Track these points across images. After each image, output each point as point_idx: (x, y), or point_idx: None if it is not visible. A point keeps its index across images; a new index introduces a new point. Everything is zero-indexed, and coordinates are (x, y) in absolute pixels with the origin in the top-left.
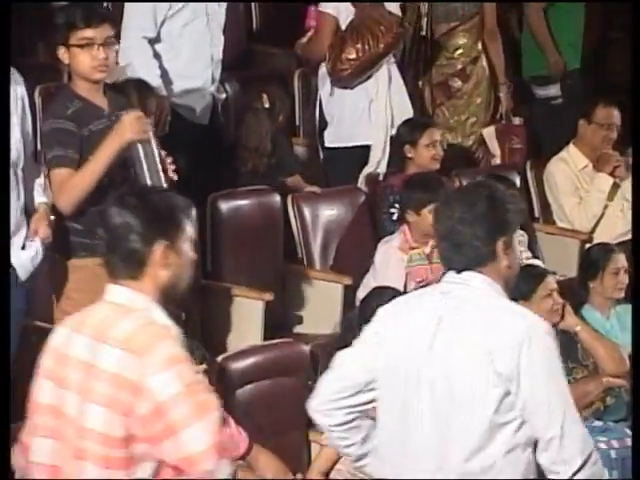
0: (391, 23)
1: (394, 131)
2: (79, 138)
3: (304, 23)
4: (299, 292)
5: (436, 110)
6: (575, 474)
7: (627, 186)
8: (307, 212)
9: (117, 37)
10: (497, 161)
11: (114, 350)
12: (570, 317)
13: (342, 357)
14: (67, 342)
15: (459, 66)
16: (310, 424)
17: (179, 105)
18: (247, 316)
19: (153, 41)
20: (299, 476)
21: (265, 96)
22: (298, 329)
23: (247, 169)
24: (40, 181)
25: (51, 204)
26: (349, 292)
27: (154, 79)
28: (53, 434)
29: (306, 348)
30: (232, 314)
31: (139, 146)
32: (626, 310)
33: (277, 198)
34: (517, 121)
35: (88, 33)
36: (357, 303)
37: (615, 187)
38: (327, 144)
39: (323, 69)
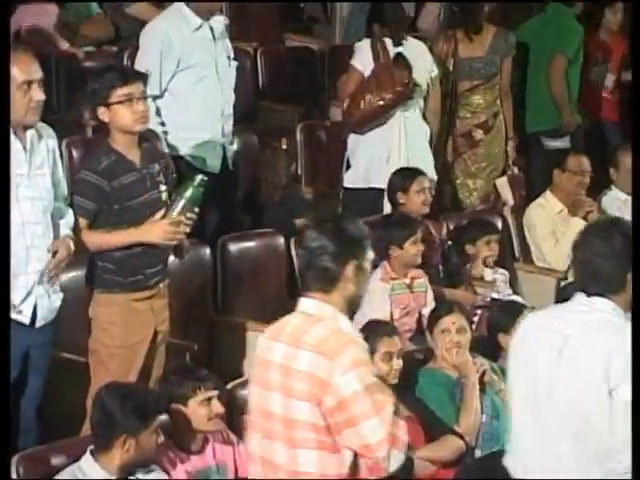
0: (399, 79)
1: None
2: (104, 193)
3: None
4: None
5: (458, 158)
6: None
7: None
8: None
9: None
10: (509, 206)
11: (308, 353)
12: None
13: None
14: (268, 349)
15: (482, 119)
16: None
17: (191, 155)
18: (254, 347)
19: (163, 95)
20: None
21: (284, 139)
22: None
23: (263, 199)
24: (69, 221)
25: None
26: None
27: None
28: (262, 431)
29: None
30: (240, 345)
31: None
32: None
33: (281, 240)
34: (515, 170)
35: (127, 90)
36: None
37: None
38: (346, 184)
39: None
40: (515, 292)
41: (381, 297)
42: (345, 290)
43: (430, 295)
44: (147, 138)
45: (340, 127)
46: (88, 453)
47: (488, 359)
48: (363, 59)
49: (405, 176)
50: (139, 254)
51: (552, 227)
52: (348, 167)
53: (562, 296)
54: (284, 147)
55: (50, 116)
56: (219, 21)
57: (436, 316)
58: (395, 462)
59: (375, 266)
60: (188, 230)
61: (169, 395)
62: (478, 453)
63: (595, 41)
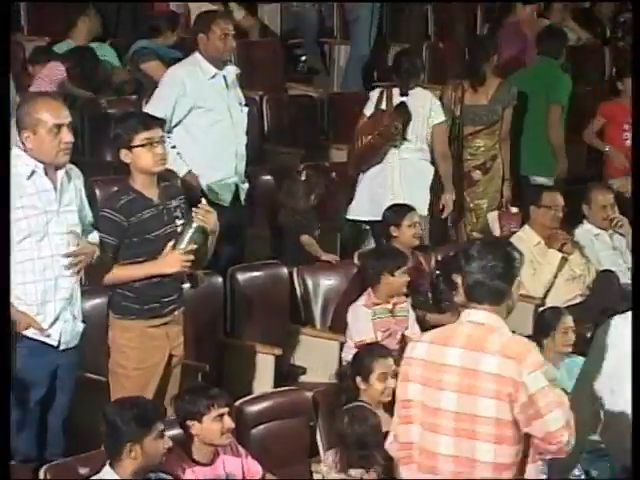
0: (381, 123)
1: None
2: (123, 228)
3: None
4: (303, 348)
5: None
6: None
7: (573, 258)
8: (309, 281)
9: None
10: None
11: (494, 357)
12: None
13: None
14: (439, 354)
15: (481, 161)
16: (312, 457)
17: (208, 189)
18: (260, 367)
19: (177, 137)
20: None
21: (305, 172)
22: (302, 378)
23: (281, 222)
24: (95, 236)
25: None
26: None
27: (175, 162)
28: (424, 424)
29: (309, 394)
30: (248, 366)
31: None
32: (573, 361)
33: (284, 270)
34: (515, 210)
35: (148, 134)
36: (343, 361)
37: (563, 260)
38: (348, 216)
39: None
40: None
41: (364, 321)
42: (509, 303)
43: (412, 318)
44: (166, 177)
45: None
46: (107, 464)
47: None
48: (370, 106)
49: (398, 212)
50: (156, 284)
51: (530, 258)
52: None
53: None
54: (303, 178)
55: (76, 157)
56: (231, 71)
57: None
58: (570, 446)
59: None
60: (192, 258)
61: (184, 412)
62: None
63: None
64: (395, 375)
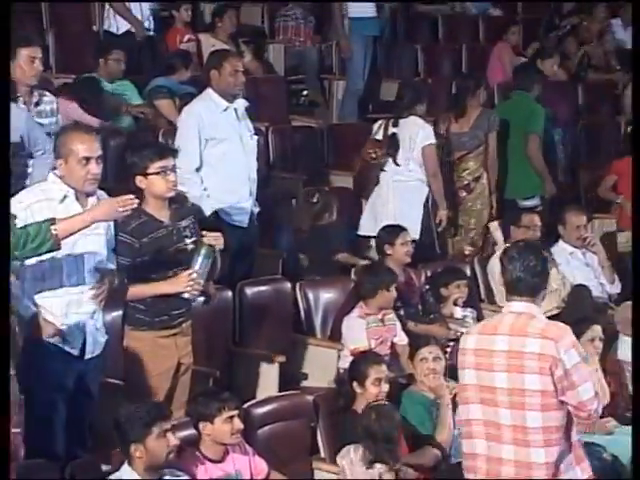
0: (365, 151)
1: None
2: (135, 249)
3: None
4: (305, 356)
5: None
6: None
7: (551, 275)
8: (310, 295)
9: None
10: (500, 246)
11: (536, 340)
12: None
13: None
14: (489, 342)
15: (465, 182)
16: (312, 455)
17: (224, 212)
18: (266, 374)
19: (199, 168)
20: None
21: (317, 194)
22: (304, 383)
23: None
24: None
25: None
26: None
27: (203, 201)
28: (481, 401)
29: (310, 398)
30: (255, 372)
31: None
32: None
33: (288, 285)
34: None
35: (162, 163)
36: (341, 368)
37: None
38: (359, 232)
39: None
40: None
41: (359, 330)
42: (543, 294)
43: (399, 326)
44: (177, 200)
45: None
46: (125, 462)
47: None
48: (373, 135)
49: (391, 231)
50: (166, 298)
51: None
52: None
53: None
54: (314, 200)
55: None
56: (241, 103)
57: (416, 347)
58: (597, 414)
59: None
60: (202, 282)
61: (198, 414)
62: (452, 461)
63: None
64: (387, 380)
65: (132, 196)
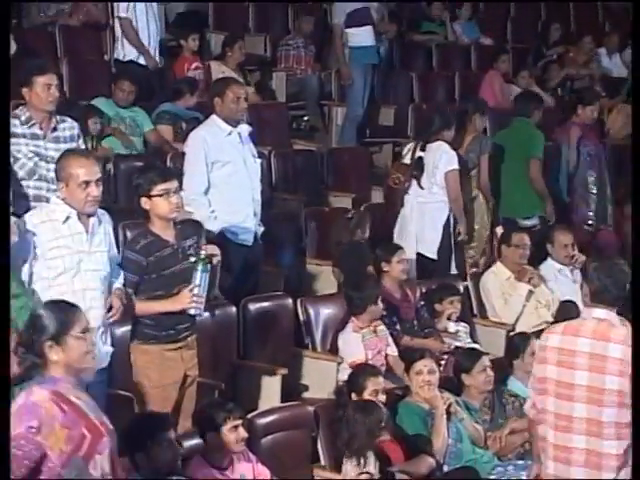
0: (390, 175)
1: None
2: (142, 266)
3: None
4: (305, 368)
5: None
6: None
7: (539, 290)
8: (311, 310)
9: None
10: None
11: (619, 345)
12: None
13: None
14: (571, 342)
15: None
16: (313, 463)
17: (229, 232)
18: (268, 385)
19: (207, 190)
20: None
21: (352, 211)
22: (305, 395)
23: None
24: (121, 279)
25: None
26: None
27: (210, 222)
28: (556, 395)
29: (311, 409)
30: (258, 384)
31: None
32: None
33: (289, 301)
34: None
35: (165, 186)
36: (340, 380)
37: (530, 292)
38: None
39: None
40: (474, 341)
41: (356, 344)
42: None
43: (390, 338)
44: (182, 220)
45: None
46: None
47: (453, 394)
48: (401, 159)
49: (388, 249)
50: (172, 313)
51: (502, 290)
52: None
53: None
54: (349, 216)
55: (111, 204)
56: (245, 128)
57: (411, 360)
58: None
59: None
60: (203, 297)
61: (205, 423)
62: (445, 469)
63: None
64: (384, 391)
65: None
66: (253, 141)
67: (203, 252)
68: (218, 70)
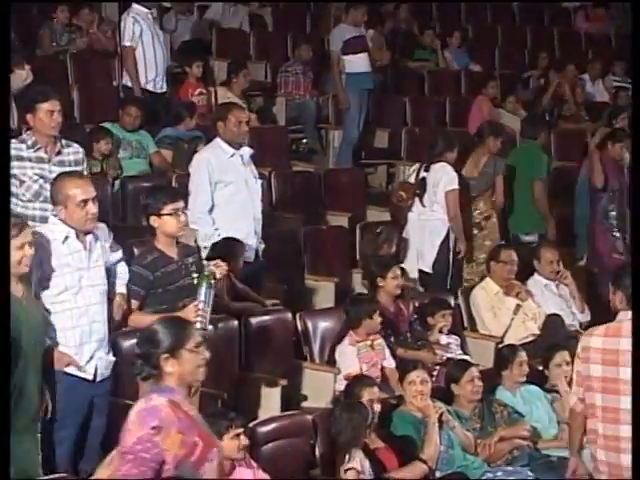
0: (394, 193)
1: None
2: (149, 281)
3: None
4: (304, 379)
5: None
6: None
7: (526, 304)
8: (309, 324)
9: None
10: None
11: None
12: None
13: None
14: (611, 342)
15: (476, 221)
16: (312, 469)
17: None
18: (269, 395)
19: (211, 209)
20: None
21: (381, 227)
22: (304, 404)
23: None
24: (124, 278)
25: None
26: None
27: (214, 239)
28: (603, 390)
29: (309, 417)
30: (259, 394)
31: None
32: (527, 389)
33: (289, 315)
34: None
35: (174, 205)
36: (337, 390)
37: (518, 306)
38: (403, 265)
39: None
40: (464, 353)
41: (351, 357)
42: None
43: (387, 351)
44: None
45: None
46: None
47: (445, 403)
48: (406, 178)
49: (383, 265)
50: None
51: (491, 304)
52: None
53: (499, 355)
54: (378, 231)
55: (119, 223)
56: (247, 151)
57: (405, 371)
58: None
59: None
60: (209, 310)
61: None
62: (438, 474)
63: None
64: (379, 401)
65: None
66: (254, 162)
67: (207, 270)
68: (224, 96)
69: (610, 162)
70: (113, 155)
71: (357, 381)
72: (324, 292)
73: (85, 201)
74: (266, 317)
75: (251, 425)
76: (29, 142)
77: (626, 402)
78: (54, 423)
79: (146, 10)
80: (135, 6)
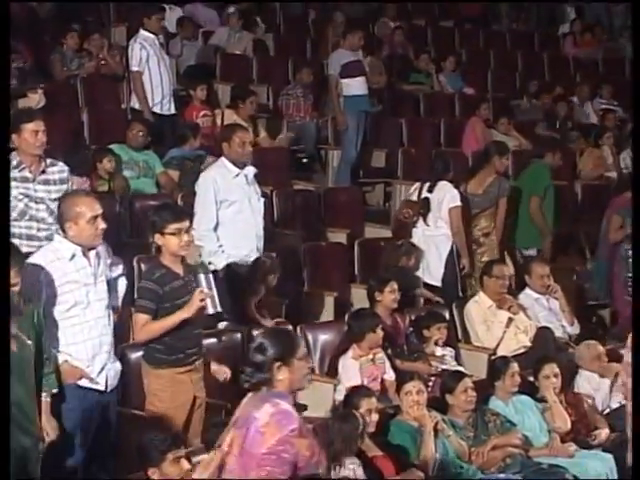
0: (399, 211)
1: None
2: (159, 295)
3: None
4: (305, 390)
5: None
6: None
7: (518, 317)
8: (310, 336)
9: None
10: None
11: None
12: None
13: None
14: None
15: (476, 237)
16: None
17: (235, 264)
18: None
19: (216, 226)
20: None
21: (403, 241)
22: (304, 414)
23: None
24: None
25: None
26: None
27: (218, 255)
28: None
29: (310, 426)
30: None
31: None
32: (518, 399)
33: (290, 327)
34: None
35: (177, 225)
36: (337, 400)
37: (510, 320)
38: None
39: None
40: (459, 364)
41: (353, 371)
42: None
43: (388, 364)
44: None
45: None
46: None
47: (440, 413)
48: (408, 196)
49: (381, 280)
50: (181, 339)
51: (484, 317)
52: None
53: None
54: (399, 244)
55: (126, 240)
56: (251, 170)
57: (402, 382)
58: None
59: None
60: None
61: (212, 443)
62: None
63: None
64: (377, 411)
65: None
66: (258, 181)
67: (201, 259)
68: (231, 118)
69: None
70: (118, 173)
71: (356, 392)
72: (324, 306)
73: (95, 217)
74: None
75: None
76: (14, 162)
77: None
78: (65, 434)
79: (153, 36)
80: (142, 32)
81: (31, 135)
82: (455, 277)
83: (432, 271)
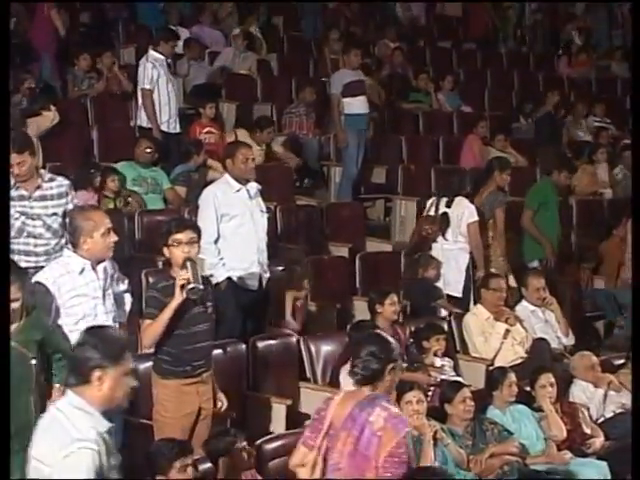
0: (420, 226)
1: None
2: (162, 302)
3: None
4: (308, 399)
5: None
6: None
7: (515, 329)
8: (313, 348)
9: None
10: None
11: None
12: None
13: None
14: None
15: None
16: None
17: (237, 277)
18: (275, 414)
19: (217, 240)
20: None
21: (419, 254)
22: (307, 423)
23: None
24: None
25: None
26: None
27: (219, 268)
28: None
29: None
30: (265, 413)
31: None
32: (516, 408)
33: (294, 339)
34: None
35: (179, 236)
36: None
37: (507, 331)
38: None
39: None
40: (457, 374)
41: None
42: None
43: None
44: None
45: None
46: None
47: (439, 422)
48: (426, 211)
49: (381, 293)
50: (188, 350)
51: (482, 329)
52: None
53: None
54: (417, 257)
55: (134, 253)
56: (254, 186)
57: (402, 392)
58: None
59: None
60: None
61: (215, 450)
62: None
63: None
64: None
65: None
66: (262, 197)
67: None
68: (245, 139)
69: None
70: (131, 190)
71: None
72: (326, 318)
73: (108, 230)
74: (272, 341)
75: (258, 442)
76: (11, 182)
77: None
78: None
79: (162, 57)
80: (152, 52)
81: (17, 166)
82: (469, 289)
83: (451, 283)
